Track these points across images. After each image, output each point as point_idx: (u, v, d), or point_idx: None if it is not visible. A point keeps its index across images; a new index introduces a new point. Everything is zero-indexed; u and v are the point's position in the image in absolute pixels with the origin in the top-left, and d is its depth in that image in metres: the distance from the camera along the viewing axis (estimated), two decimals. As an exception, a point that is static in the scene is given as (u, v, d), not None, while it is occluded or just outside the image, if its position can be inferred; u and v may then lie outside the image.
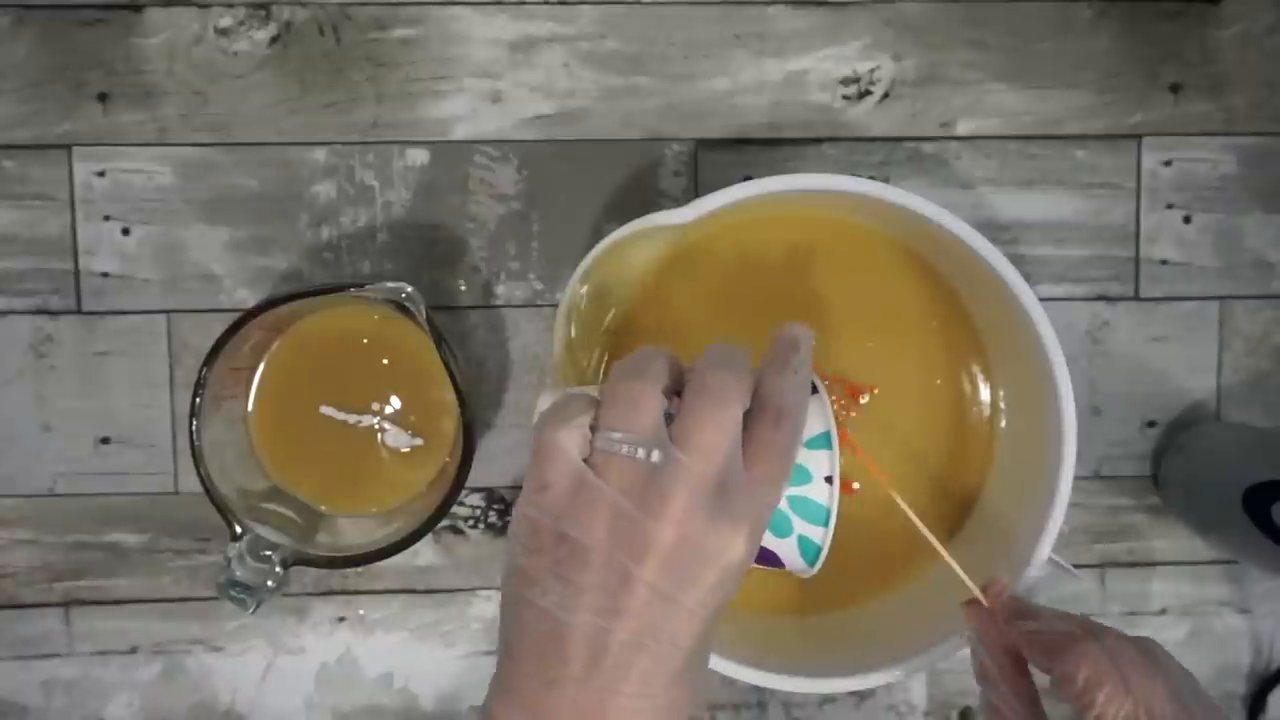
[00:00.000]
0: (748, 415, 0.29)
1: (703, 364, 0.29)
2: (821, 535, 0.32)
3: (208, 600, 0.47)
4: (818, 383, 0.33)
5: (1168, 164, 0.48)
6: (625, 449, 0.27)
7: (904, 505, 0.37)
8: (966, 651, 0.48)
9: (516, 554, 0.28)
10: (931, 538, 0.37)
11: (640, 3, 0.46)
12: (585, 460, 0.28)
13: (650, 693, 0.27)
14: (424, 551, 0.47)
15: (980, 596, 0.36)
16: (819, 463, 0.32)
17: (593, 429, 0.28)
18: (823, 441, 0.32)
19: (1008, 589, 0.36)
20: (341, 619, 0.47)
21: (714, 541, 0.27)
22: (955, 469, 0.44)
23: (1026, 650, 0.34)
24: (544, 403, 0.32)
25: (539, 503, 0.28)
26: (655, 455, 0.27)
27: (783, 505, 0.32)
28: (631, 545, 0.27)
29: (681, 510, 0.27)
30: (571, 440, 0.28)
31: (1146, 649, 0.32)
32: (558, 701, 0.27)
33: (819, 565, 0.33)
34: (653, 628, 0.27)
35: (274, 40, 0.46)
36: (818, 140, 0.47)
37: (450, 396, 0.40)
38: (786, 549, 0.33)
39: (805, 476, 0.32)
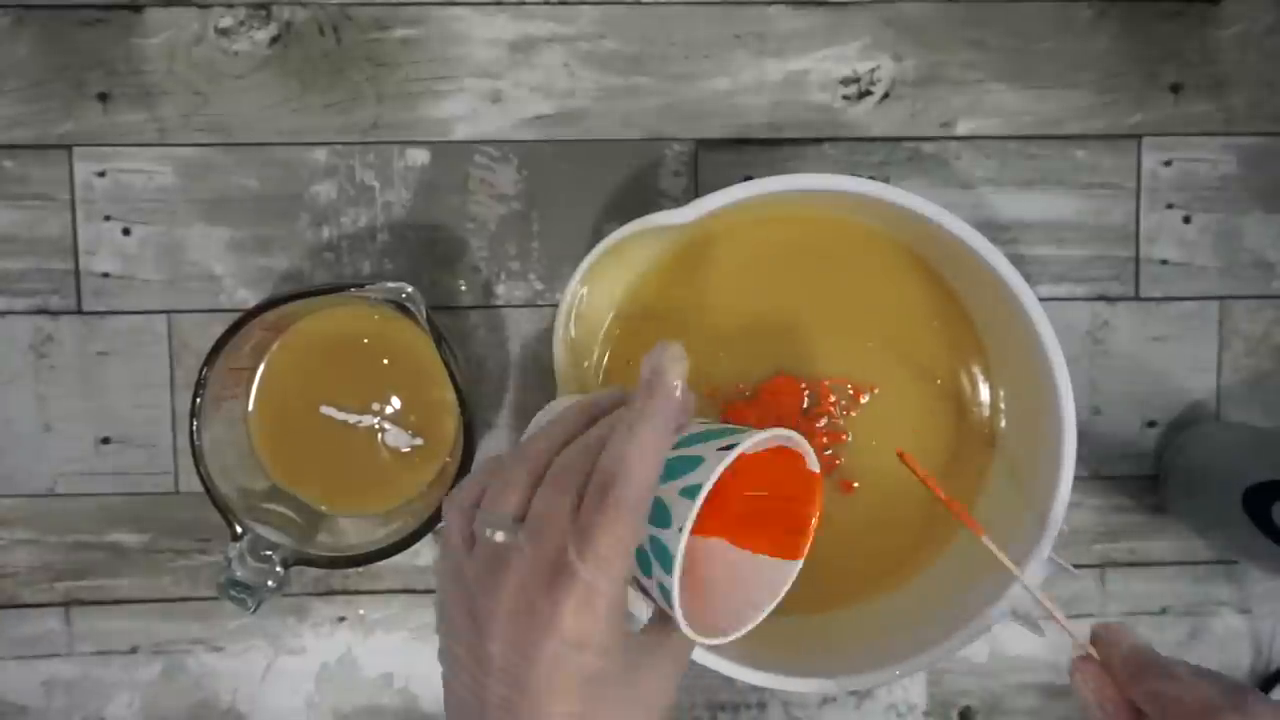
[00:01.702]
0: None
1: (571, 447, 0.30)
2: (670, 582, 0.31)
3: (208, 600, 0.47)
4: (739, 433, 0.31)
5: (1168, 164, 0.48)
6: (488, 531, 0.29)
7: (991, 545, 0.36)
8: (967, 651, 0.48)
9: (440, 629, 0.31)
10: (1015, 570, 0.36)
11: (640, 3, 0.46)
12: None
13: None
14: (424, 551, 0.47)
15: (1091, 650, 0.33)
16: (681, 511, 0.30)
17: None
18: (693, 492, 0.30)
19: (1127, 636, 0.33)
20: (342, 619, 0.47)
21: (544, 617, 0.28)
22: (955, 469, 0.44)
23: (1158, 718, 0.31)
24: (542, 416, 0.33)
25: (436, 579, 0.30)
26: (500, 536, 0.29)
27: (646, 544, 0.31)
28: (480, 623, 0.29)
29: (515, 589, 0.28)
30: (454, 522, 0.30)
31: None
32: None
33: (677, 611, 0.31)
34: (516, 700, 0.28)
35: (274, 40, 0.46)
36: (818, 140, 0.47)
37: (450, 396, 0.40)
38: (652, 588, 0.32)
39: (665, 520, 0.30)
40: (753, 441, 0.30)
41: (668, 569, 0.30)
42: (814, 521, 0.33)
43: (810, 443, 0.32)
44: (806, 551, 0.33)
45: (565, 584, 0.28)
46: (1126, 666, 0.32)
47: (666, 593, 0.31)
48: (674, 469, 0.30)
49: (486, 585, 0.29)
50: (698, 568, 0.34)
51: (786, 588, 0.33)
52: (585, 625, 0.28)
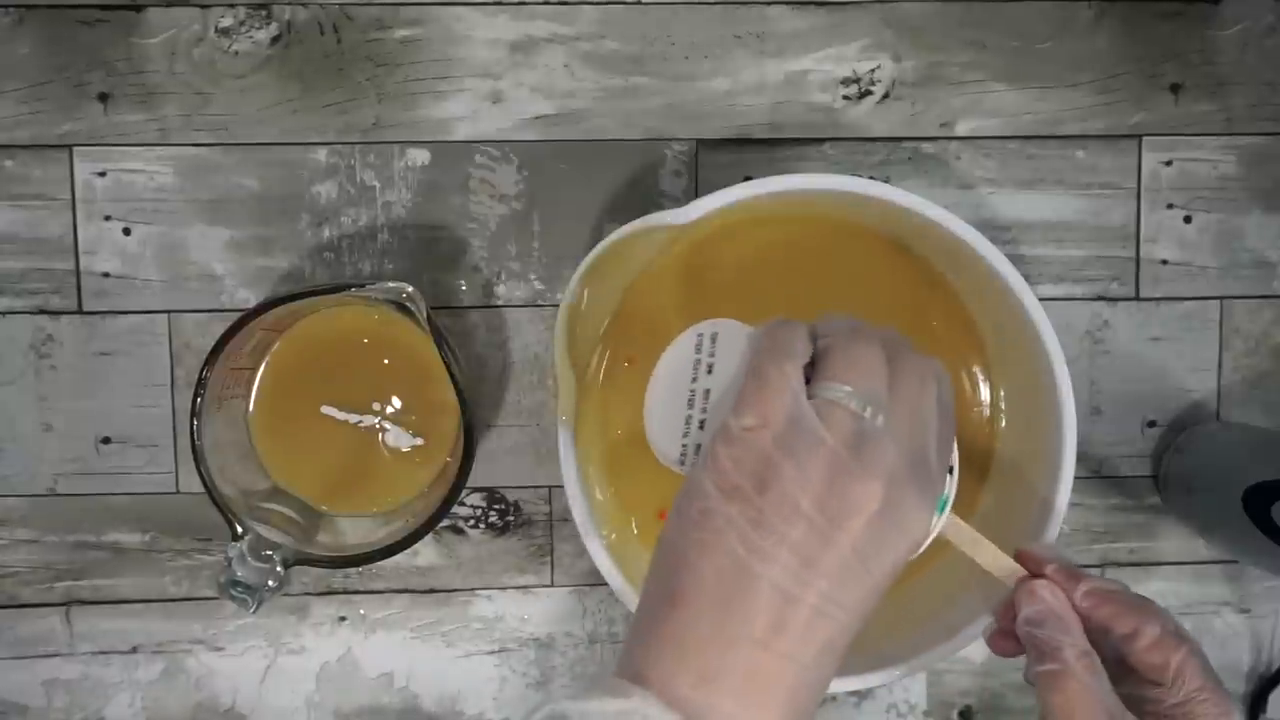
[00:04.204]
0: None
1: (900, 346, 0.29)
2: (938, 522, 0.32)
3: (209, 600, 0.47)
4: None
5: (1168, 164, 0.48)
6: (854, 403, 0.26)
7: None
8: (967, 651, 0.48)
9: (708, 495, 0.26)
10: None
11: (640, 3, 0.46)
12: None
13: (821, 664, 0.26)
14: (424, 551, 0.47)
15: (1049, 574, 0.32)
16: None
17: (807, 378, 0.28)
18: None
19: (1052, 551, 0.33)
20: (342, 618, 0.47)
21: (911, 515, 0.27)
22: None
23: (1108, 616, 0.31)
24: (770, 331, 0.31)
25: (750, 441, 0.26)
26: (880, 419, 0.27)
27: None
28: (842, 502, 0.26)
29: (892, 476, 0.26)
30: (799, 377, 0.27)
31: None
32: (733, 663, 0.25)
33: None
34: (841, 594, 0.26)
35: (275, 40, 0.46)
36: (818, 140, 0.47)
37: (451, 396, 0.40)
38: None
39: None
40: None
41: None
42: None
43: None
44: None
45: (925, 486, 0.27)
46: (1061, 578, 0.32)
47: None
48: None
49: (865, 465, 0.26)
50: None
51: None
52: (923, 525, 0.28)
